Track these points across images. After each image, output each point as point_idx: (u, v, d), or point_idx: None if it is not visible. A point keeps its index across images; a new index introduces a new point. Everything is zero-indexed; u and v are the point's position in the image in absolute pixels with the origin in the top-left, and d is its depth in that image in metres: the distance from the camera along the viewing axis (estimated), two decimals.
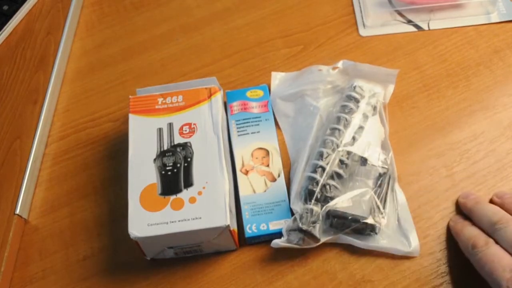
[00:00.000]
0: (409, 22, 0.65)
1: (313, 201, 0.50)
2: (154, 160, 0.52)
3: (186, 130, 0.54)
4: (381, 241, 0.51)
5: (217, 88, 0.56)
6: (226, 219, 0.48)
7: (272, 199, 0.53)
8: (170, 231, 0.48)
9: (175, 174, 0.51)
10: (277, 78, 0.62)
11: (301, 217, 0.50)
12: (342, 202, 0.50)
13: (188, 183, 0.50)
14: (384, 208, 0.51)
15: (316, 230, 0.49)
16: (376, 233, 0.51)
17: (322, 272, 0.51)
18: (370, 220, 0.50)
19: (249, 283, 0.51)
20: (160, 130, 0.54)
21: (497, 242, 0.46)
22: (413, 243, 0.51)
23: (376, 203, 0.51)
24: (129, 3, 0.72)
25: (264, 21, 0.68)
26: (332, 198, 0.51)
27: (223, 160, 0.51)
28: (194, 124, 0.54)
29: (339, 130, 0.54)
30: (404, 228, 0.52)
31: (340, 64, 0.61)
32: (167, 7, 0.71)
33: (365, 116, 0.56)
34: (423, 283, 0.50)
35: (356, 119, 0.55)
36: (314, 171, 0.52)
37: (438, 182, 0.55)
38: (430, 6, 0.65)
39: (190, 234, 0.48)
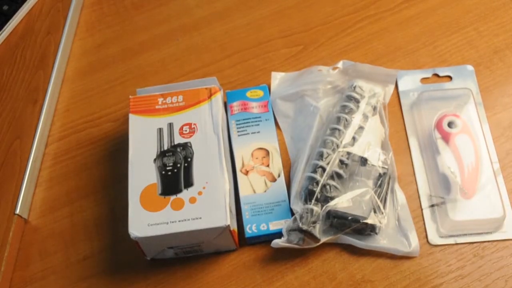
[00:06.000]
0: None
1: (313, 201, 0.50)
2: (154, 160, 0.52)
3: (186, 130, 0.54)
4: (381, 241, 0.51)
5: (217, 88, 0.56)
6: (226, 219, 0.48)
7: (272, 199, 0.53)
8: (170, 231, 0.48)
9: (175, 174, 0.51)
10: (277, 78, 0.62)
11: (301, 217, 0.50)
12: (342, 202, 0.50)
13: (188, 183, 0.50)
14: (384, 208, 0.51)
15: (316, 230, 0.49)
16: (376, 233, 0.51)
17: (322, 272, 0.51)
18: (370, 220, 0.50)
19: (249, 283, 0.51)
20: (160, 130, 0.54)
21: None
22: (413, 243, 0.51)
23: (376, 203, 0.51)
24: (129, 3, 0.71)
25: (264, 21, 0.68)
26: (332, 198, 0.50)
27: (223, 160, 0.51)
28: (194, 124, 0.54)
29: (339, 130, 0.54)
30: (404, 228, 0.52)
31: (340, 64, 0.61)
32: (167, 7, 0.71)
33: (365, 116, 0.56)
34: (423, 283, 0.50)
35: (356, 119, 0.55)
36: (314, 171, 0.52)
37: None
38: None
39: (190, 234, 0.48)
